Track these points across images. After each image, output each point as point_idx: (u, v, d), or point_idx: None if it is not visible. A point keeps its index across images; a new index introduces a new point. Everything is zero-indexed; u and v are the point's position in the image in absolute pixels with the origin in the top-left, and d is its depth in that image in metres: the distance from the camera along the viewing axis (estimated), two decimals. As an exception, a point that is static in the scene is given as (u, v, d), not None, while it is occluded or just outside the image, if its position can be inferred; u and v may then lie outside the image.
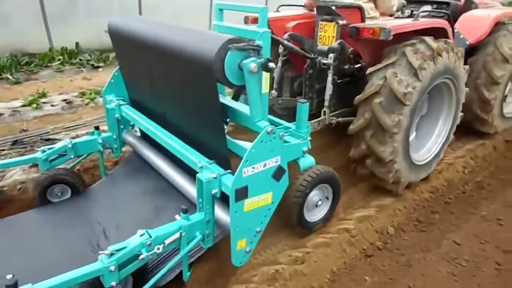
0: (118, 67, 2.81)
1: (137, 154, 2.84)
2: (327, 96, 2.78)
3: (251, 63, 1.77)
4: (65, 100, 4.70)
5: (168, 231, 1.82)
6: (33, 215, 2.58)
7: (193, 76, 1.98)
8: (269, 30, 1.98)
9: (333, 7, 2.88)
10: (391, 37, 2.54)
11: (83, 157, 2.89)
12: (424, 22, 2.80)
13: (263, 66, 1.82)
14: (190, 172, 2.27)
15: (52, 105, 4.56)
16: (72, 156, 2.75)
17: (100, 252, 1.69)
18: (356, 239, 2.50)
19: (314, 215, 2.52)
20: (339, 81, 2.82)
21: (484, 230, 2.57)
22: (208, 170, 1.92)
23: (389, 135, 2.60)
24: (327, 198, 2.54)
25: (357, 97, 2.71)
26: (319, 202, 2.48)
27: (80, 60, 6.27)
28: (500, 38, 3.46)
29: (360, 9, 2.87)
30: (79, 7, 6.49)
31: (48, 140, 3.67)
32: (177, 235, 1.84)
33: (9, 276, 1.52)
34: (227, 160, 1.97)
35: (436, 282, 2.14)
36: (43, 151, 2.62)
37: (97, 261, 1.67)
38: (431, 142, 3.17)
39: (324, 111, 2.82)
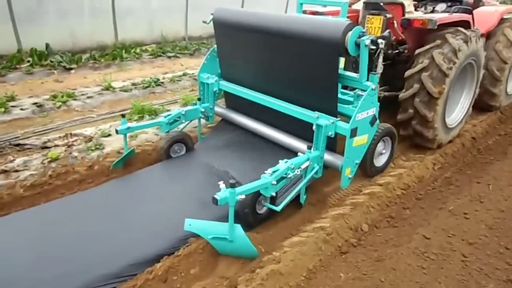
0: (209, 51, 3.63)
1: (225, 121, 3.67)
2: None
3: (367, 40, 2.54)
4: (36, 103, 4.56)
5: (301, 160, 2.63)
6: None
7: (317, 52, 2.64)
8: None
9: (381, 4, 3.60)
10: (436, 26, 3.30)
11: (188, 122, 3.61)
12: (457, 16, 3.67)
13: (373, 42, 2.58)
14: (282, 129, 3.19)
15: (21, 109, 4.42)
16: (183, 121, 3.51)
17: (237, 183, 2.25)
18: (332, 237, 2.55)
19: (379, 162, 3.32)
20: (383, 63, 3.25)
21: (451, 224, 2.69)
22: (325, 118, 2.71)
23: (434, 100, 3.36)
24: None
25: (408, 71, 3.45)
26: (383, 151, 3.31)
27: (51, 61, 6.06)
28: (506, 28, 4.33)
29: (402, 5, 3.59)
30: (49, 7, 6.26)
31: (17, 145, 3.56)
32: (307, 163, 2.65)
33: (222, 185, 2.23)
34: (336, 112, 2.75)
35: (406, 275, 2.22)
36: (165, 117, 3.35)
37: (261, 179, 2.40)
38: (457, 111, 3.96)
39: None
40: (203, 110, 3.57)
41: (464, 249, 2.43)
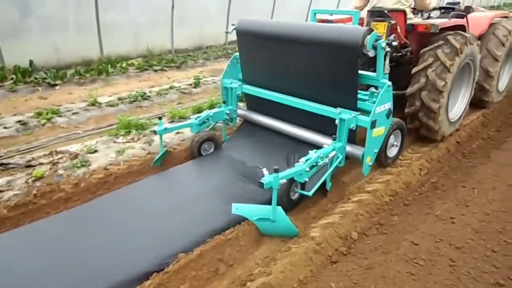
0: (231, 58, 3.98)
1: (247, 122, 4.03)
2: None
3: (383, 43, 2.93)
4: (20, 121, 4.48)
5: (328, 150, 2.99)
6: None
7: (339, 55, 3.00)
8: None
9: (385, 11, 3.95)
10: (438, 30, 3.76)
11: (214, 123, 3.92)
12: (454, 21, 4.15)
13: (388, 44, 3.00)
14: (303, 125, 3.53)
15: (5, 127, 4.33)
16: (211, 122, 3.85)
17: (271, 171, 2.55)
18: (322, 246, 2.55)
19: (391, 152, 3.66)
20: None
21: (438, 229, 2.72)
22: (347, 113, 3.07)
23: (439, 93, 3.74)
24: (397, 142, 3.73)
25: (415, 68, 3.86)
26: (395, 143, 3.67)
27: (35, 78, 5.99)
28: (497, 30, 4.82)
29: (404, 12, 3.96)
30: (33, 23, 6.22)
31: (1, 165, 3.49)
32: (334, 152, 3.01)
33: (265, 171, 2.59)
34: (356, 107, 3.10)
35: (396, 282, 2.23)
36: (196, 118, 3.72)
37: (295, 167, 2.74)
38: (457, 106, 4.37)
39: None
40: (228, 112, 3.93)
41: (451, 253, 2.45)
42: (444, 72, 3.73)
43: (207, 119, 3.79)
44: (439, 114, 3.83)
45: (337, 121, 3.12)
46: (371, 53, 2.91)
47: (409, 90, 3.90)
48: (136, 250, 2.45)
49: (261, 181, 2.50)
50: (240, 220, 2.75)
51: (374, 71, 3.19)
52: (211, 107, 5.01)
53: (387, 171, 3.65)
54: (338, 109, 3.12)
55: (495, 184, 3.34)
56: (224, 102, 3.97)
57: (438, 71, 3.74)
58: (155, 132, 3.50)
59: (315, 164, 2.86)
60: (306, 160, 2.81)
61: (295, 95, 3.46)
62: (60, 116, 4.78)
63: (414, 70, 3.87)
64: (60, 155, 3.67)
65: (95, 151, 3.78)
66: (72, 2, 6.57)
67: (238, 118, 4.15)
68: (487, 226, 2.73)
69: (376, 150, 3.24)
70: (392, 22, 3.89)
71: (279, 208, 2.65)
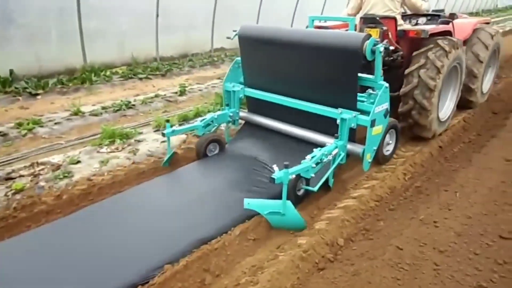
0: (232, 63, 4.16)
1: (248, 124, 4.20)
2: None
3: (381, 47, 3.16)
4: (-1, 132, 4.39)
5: (331, 148, 3.17)
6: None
7: (340, 59, 3.21)
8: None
9: (377, 18, 4.19)
10: (428, 35, 4.03)
11: (217, 125, 4.10)
12: (442, 27, 4.44)
13: (386, 49, 3.28)
14: (303, 126, 3.69)
15: (-17, 139, 4.23)
16: (216, 125, 4.03)
17: (283, 166, 2.70)
18: (308, 254, 2.55)
19: (387, 150, 3.91)
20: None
21: (422, 233, 2.75)
22: (348, 113, 3.28)
23: (431, 92, 3.99)
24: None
25: (408, 69, 4.11)
26: (390, 141, 3.91)
27: (16, 88, 5.86)
28: (480, 34, 5.16)
29: (395, 19, 4.21)
30: (13, 32, 6.09)
31: (-21, 177, 3.38)
32: (336, 150, 3.19)
33: (276, 168, 2.74)
34: (356, 108, 3.31)
35: (382, 288, 2.24)
36: (201, 121, 3.88)
37: (302, 163, 2.90)
38: (446, 107, 4.66)
39: None
40: (231, 114, 4.12)
41: (435, 257, 2.48)
42: (435, 72, 3.99)
43: (212, 121, 3.97)
44: (431, 112, 4.07)
45: (338, 121, 3.31)
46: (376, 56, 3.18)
47: (403, 90, 4.13)
48: (121, 262, 2.41)
49: (272, 176, 2.67)
50: (227, 229, 2.73)
51: (368, 74, 3.38)
52: (197, 115, 5.00)
53: (372, 176, 3.69)
54: (340, 110, 3.31)
55: (476, 188, 3.41)
56: (227, 105, 4.17)
57: (430, 71, 4.00)
58: (163, 134, 3.61)
59: (319, 161, 3.03)
60: (312, 157, 2.98)
61: (297, 97, 3.64)
62: (41, 126, 4.69)
63: (407, 71, 4.12)
64: (41, 167, 3.59)
65: (78, 161, 3.72)
66: (55, 10, 6.47)
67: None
68: (469, 229, 2.78)
69: (375, 148, 3.46)
70: (384, 28, 4.11)
71: (289, 202, 2.80)
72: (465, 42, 4.99)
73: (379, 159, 3.77)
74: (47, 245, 2.56)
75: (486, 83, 5.82)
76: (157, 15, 7.96)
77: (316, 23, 4.64)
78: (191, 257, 2.44)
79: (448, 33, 4.44)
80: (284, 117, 3.85)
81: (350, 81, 3.27)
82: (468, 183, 3.51)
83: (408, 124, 4.27)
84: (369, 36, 3.12)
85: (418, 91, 4.04)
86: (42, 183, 3.31)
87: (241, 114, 4.21)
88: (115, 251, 2.51)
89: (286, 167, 2.67)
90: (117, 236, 2.66)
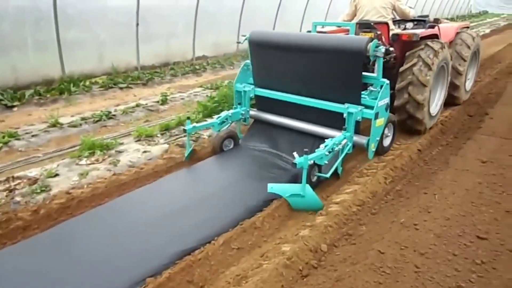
0: (242, 65, 4.56)
1: (257, 121, 4.56)
2: None
3: (382, 49, 3.57)
4: (-27, 146, 4.24)
5: (340, 138, 3.57)
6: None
7: (345, 60, 3.62)
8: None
9: (372, 23, 4.67)
10: (419, 38, 4.52)
11: (231, 123, 4.42)
12: (430, 30, 4.90)
13: (387, 51, 3.73)
14: (311, 121, 4.07)
15: (-44, 153, 4.08)
16: (230, 122, 4.37)
17: (295, 155, 3.15)
18: (292, 261, 2.55)
19: (386, 142, 4.27)
20: None
21: (403, 236, 2.80)
22: (353, 107, 3.69)
23: (423, 87, 4.45)
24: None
25: (402, 67, 4.59)
26: (388, 134, 4.29)
27: (-9, 100, 5.71)
28: (463, 36, 5.76)
29: (387, 24, 4.71)
30: (-13, 43, 5.95)
31: (-50, 194, 3.25)
32: (345, 140, 3.59)
33: (296, 154, 3.11)
34: (360, 103, 3.73)
35: (365, 293, 2.26)
36: (217, 118, 4.23)
37: (316, 151, 3.33)
38: (435, 103, 5.08)
39: None
40: (242, 112, 4.49)
41: (416, 260, 2.53)
42: (427, 69, 4.46)
43: (226, 119, 4.30)
44: (424, 105, 4.52)
45: (345, 115, 3.71)
46: (378, 55, 3.58)
47: (398, 86, 4.60)
48: (103, 277, 2.35)
49: (294, 161, 3.05)
50: (210, 239, 2.71)
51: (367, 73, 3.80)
52: (179, 124, 4.96)
53: (354, 181, 3.74)
54: (346, 104, 3.71)
55: (454, 189, 3.51)
56: (239, 104, 4.55)
57: (422, 68, 4.47)
58: (184, 131, 3.95)
59: (331, 150, 3.44)
60: (325, 146, 3.40)
61: (306, 95, 4.02)
62: (18, 139, 4.55)
63: (401, 69, 4.60)
64: (17, 181, 3.48)
65: (56, 174, 3.62)
66: (31, 20, 6.33)
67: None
68: (448, 231, 2.84)
69: (378, 138, 3.90)
70: (378, 32, 4.57)
71: (308, 185, 3.17)
72: (450, 43, 5.47)
73: (379, 150, 4.13)
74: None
75: (469, 82, 6.34)
76: (137, 24, 7.91)
77: (318, 28, 5.06)
78: (174, 269, 2.40)
79: (435, 36, 4.90)
80: (292, 114, 4.22)
81: (355, 79, 3.67)
82: (446, 185, 3.61)
83: (403, 117, 4.71)
84: (371, 39, 3.50)
85: (412, 87, 4.48)
86: (18, 198, 3.20)
87: (251, 112, 4.57)
88: (95, 265, 2.45)
89: (306, 153, 3.05)
90: (98, 249, 2.60)
